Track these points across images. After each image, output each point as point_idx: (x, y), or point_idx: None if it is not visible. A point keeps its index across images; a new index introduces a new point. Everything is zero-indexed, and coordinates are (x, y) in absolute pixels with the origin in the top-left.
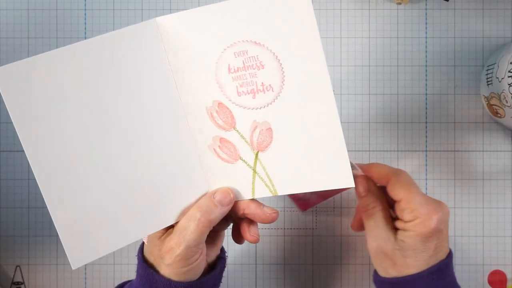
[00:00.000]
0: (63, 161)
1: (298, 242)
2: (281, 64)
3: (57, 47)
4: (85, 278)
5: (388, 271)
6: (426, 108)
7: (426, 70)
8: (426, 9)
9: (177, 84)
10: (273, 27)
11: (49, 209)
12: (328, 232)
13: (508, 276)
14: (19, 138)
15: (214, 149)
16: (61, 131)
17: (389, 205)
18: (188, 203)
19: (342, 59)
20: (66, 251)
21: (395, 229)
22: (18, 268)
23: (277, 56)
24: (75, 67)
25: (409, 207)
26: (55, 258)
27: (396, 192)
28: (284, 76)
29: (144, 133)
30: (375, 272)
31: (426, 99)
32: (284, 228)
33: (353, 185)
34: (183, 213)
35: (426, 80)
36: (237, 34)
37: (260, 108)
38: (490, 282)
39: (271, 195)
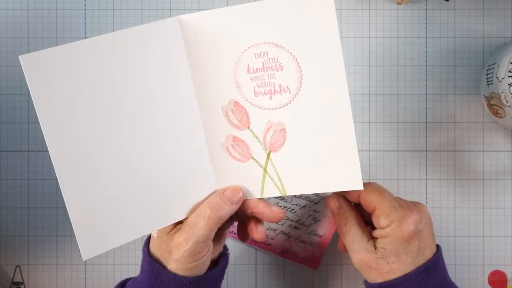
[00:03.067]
0: (80, 152)
1: None
2: (300, 67)
3: None
4: (85, 278)
5: (376, 280)
6: (426, 108)
7: (426, 70)
8: (426, 9)
9: (194, 82)
10: (295, 30)
11: (64, 199)
12: None
13: (508, 276)
14: (41, 125)
15: (226, 147)
16: (80, 122)
17: (366, 219)
18: (197, 200)
19: None
20: (78, 242)
21: (375, 239)
22: (18, 268)
23: (297, 59)
24: (96, 60)
25: (383, 213)
26: (55, 258)
27: (369, 202)
28: (302, 78)
29: (157, 128)
30: (365, 279)
31: (426, 99)
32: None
33: (362, 188)
34: (193, 209)
35: (426, 80)
36: (258, 36)
37: (276, 109)
38: (490, 282)
39: (280, 195)
